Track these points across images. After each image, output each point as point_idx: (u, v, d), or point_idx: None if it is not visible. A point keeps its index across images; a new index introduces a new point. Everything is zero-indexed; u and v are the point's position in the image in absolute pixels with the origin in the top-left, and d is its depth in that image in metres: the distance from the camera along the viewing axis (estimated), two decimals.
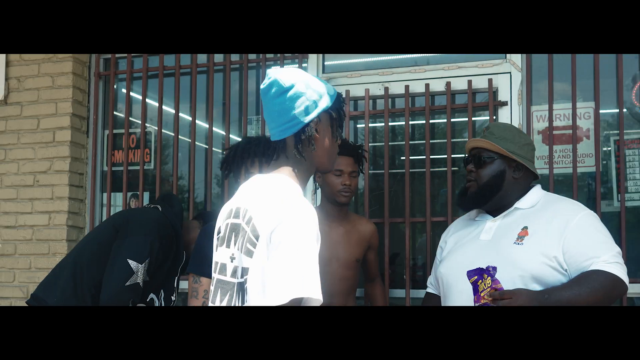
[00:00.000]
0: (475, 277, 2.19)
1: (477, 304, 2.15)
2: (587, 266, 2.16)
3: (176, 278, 2.78)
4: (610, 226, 2.92)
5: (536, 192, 2.41)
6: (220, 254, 1.80)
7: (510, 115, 3.22)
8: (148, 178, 3.84)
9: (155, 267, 2.65)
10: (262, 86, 1.79)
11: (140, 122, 3.83)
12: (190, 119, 3.74)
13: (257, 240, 1.67)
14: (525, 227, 2.29)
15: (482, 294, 2.16)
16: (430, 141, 3.31)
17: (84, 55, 3.89)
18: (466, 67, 3.31)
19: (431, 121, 3.36)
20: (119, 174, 3.87)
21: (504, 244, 2.29)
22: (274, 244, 1.65)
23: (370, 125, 3.54)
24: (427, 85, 3.33)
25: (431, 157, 3.32)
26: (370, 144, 3.51)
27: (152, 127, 3.85)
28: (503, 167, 2.39)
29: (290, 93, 1.76)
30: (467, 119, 3.28)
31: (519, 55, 3.24)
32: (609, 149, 3.22)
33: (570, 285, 2.15)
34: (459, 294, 2.29)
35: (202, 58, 3.78)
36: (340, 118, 1.84)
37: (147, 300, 2.70)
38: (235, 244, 1.75)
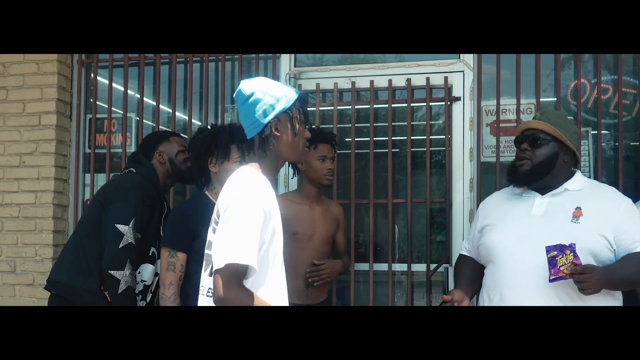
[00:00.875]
0: (555, 252, 2.34)
1: (553, 277, 2.33)
2: (635, 248, 2.45)
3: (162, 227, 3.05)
4: None
5: (581, 177, 2.65)
6: (210, 233, 2.19)
7: (463, 109, 3.62)
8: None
9: (143, 225, 2.92)
10: (234, 95, 2.19)
11: (119, 107, 4.09)
12: (169, 110, 4.02)
13: (218, 219, 2.08)
14: (579, 208, 2.51)
15: (561, 268, 2.32)
16: (393, 123, 3.69)
17: None
18: (425, 65, 3.68)
19: (393, 105, 3.73)
20: (101, 156, 4.13)
21: (560, 221, 2.50)
22: (223, 222, 2.04)
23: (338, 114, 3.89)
24: (389, 81, 3.69)
25: (393, 138, 3.69)
26: (338, 129, 3.86)
27: (132, 113, 4.12)
28: (557, 150, 2.59)
29: (251, 100, 2.13)
30: (425, 112, 3.67)
31: (471, 56, 3.63)
32: None
33: (627, 263, 2.43)
34: (514, 261, 2.50)
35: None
36: (301, 115, 2.18)
37: (150, 255, 2.99)
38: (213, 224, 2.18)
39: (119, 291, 2.81)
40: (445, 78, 3.63)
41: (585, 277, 2.29)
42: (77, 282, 2.88)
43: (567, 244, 2.33)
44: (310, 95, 3.79)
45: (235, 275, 1.98)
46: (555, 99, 3.59)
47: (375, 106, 3.72)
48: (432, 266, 3.58)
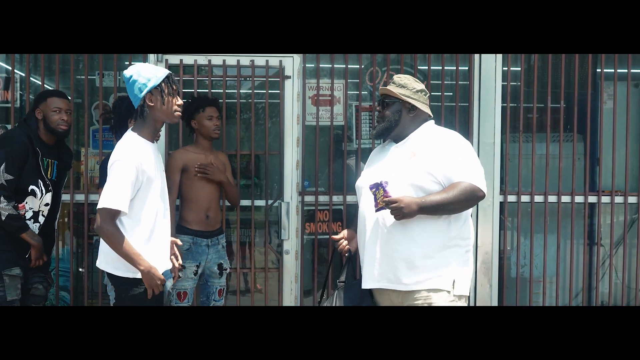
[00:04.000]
0: (374, 189, 2.81)
1: (376, 208, 2.81)
2: (455, 179, 2.86)
3: (48, 170, 3.88)
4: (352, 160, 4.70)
5: (428, 127, 3.09)
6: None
7: (293, 85, 4.76)
8: (17, 114, 4.86)
9: (15, 168, 3.69)
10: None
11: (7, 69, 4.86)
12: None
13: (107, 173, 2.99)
14: (414, 151, 2.97)
15: (378, 201, 2.79)
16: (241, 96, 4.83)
17: None
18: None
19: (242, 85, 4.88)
20: None
21: (398, 163, 2.98)
22: (108, 175, 2.87)
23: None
24: (238, 61, 4.75)
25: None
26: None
27: (19, 73, 4.87)
28: (400, 108, 3.04)
29: (130, 81, 2.90)
30: (264, 86, 4.85)
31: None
32: (352, 111, 5.04)
33: (441, 192, 2.85)
34: (367, 199, 2.98)
35: None
36: (170, 89, 2.90)
37: (29, 191, 3.79)
38: None
39: (3, 219, 3.66)
40: (280, 61, 4.78)
41: (393, 206, 2.79)
42: None
43: (380, 182, 2.81)
44: (175, 68, 4.80)
45: (108, 215, 2.82)
46: (357, 80, 4.96)
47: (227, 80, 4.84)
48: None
